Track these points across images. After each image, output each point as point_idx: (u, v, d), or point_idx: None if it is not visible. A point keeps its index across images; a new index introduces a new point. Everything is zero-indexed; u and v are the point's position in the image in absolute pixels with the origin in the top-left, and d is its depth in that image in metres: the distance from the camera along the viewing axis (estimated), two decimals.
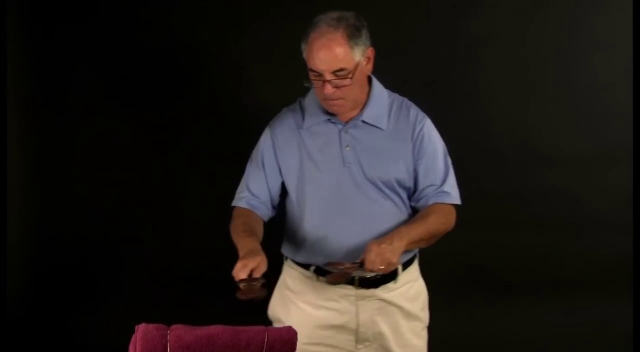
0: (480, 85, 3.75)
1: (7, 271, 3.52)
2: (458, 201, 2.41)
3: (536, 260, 3.80)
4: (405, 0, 3.71)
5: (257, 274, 2.07)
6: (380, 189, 2.33)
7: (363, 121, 2.33)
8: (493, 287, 3.78)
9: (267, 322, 2.55)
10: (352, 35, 2.19)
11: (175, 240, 3.76)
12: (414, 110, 2.40)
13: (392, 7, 3.70)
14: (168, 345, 1.88)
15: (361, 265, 2.11)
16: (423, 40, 3.72)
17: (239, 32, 3.61)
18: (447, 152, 2.44)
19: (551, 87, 3.75)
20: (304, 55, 2.23)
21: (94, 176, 3.83)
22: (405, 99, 2.44)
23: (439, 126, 3.81)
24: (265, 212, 2.42)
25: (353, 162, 2.31)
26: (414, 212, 2.41)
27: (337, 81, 2.19)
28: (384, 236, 2.17)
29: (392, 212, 2.35)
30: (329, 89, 2.20)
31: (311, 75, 2.22)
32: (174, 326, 1.93)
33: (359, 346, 2.41)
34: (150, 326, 1.92)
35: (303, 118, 2.37)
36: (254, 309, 2.39)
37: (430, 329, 2.68)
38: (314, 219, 2.36)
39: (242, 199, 2.41)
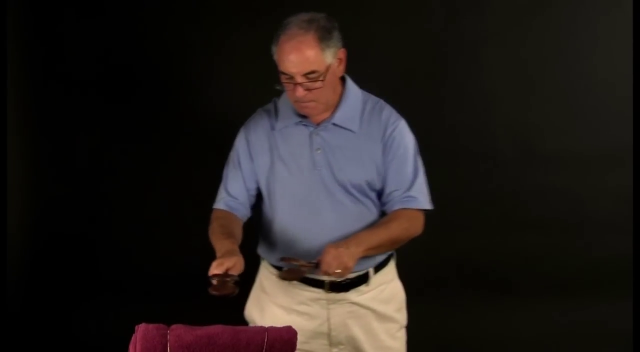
0: (480, 85, 3.76)
1: (7, 271, 3.53)
2: (426, 206, 2.36)
3: (536, 260, 3.80)
4: (406, 1, 3.71)
5: (233, 273, 2.07)
6: (351, 193, 2.31)
7: (334, 123, 2.30)
8: (493, 287, 3.78)
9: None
10: (323, 37, 2.17)
11: (175, 240, 3.76)
12: (387, 112, 2.36)
13: (393, 7, 3.70)
14: (168, 345, 1.88)
15: (317, 266, 2.09)
16: (424, 41, 3.73)
17: (227, 33, 3.61)
18: (418, 155, 2.38)
19: (551, 88, 3.75)
20: (275, 57, 2.20)
21: (93, 175, 3.84)
22: (380, 100, 2.40)
23: (440, 126, 3.85)
24: (244, 213, 2.41)
25: (323, 166, 2.29)
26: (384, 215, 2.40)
27: (309, 84, 2.17)
28: (342, 241, 2.16)
29: (363, 214, 2.33)
30: (300, 91, 2.18)
31: (282, 78, 2.20)
32: (174, 326, 1.93)
33: (334, 349, 2.40)
34: (150, 325, 1.92)
35: (276, 119, 2.35)
36: None
37: (430, 329, 2.68)
38: (285, 221, 2.35)
39: (220, 201, 2.40)
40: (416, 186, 2.34)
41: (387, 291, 2.46)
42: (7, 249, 3.53)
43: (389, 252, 2.46)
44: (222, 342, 1.89)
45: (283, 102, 2.34)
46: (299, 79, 2.17)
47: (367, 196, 2.33)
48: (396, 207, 2.31)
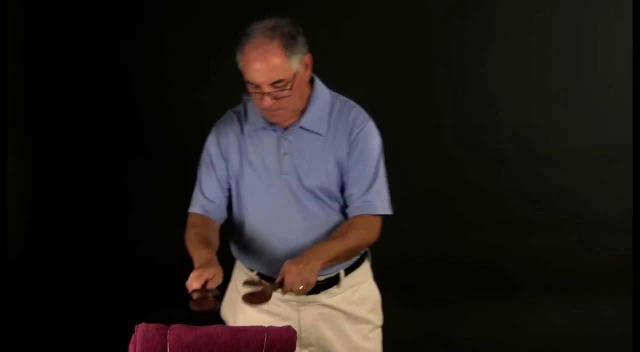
0: (481, 86, 3.77)
1: (7, 271, 3.53)
2: (383, 212, 2.31)
3: (536, 260, 3.81)
4: (407, 1, 3.71)
5: (212, 286, 2.03)
6: (319, 197, 2.29)
7: (302, 127, 2.27)
8: (493, 287, 3.78)
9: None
10: (289, 45, 2.12)
11: (175, 240, 3.75)
12: (355, 114, 2.32)
13: (394, 7, 3.70)
14: (168, 345, 1.88)
15: (281, 285, 2.06)
16: (425, 41, 3.73)
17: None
18: (382, 159, 2.33)
19: (552, 88, 3.75)
20: (240, 66, 2.16)
21: (93, 175, 3.84)
22: (349, 101, 2.35)
23: (440, 126, 3.85)
24: (220, 215, 2.38)
25: (291, 171, 2.27)
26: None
27: (277, 93, 2.14)
28: (300, 256, 2.12)
29: (332, 217, 2.31)
30: (268, 101, 2.15)
31: (249, 88, 2.17)
32: (173, 326, 1.93)
33: (304, 351, 2.39)
34: (150, 325, 1.92)
35: (245, 122, 2.32)
36: None
37: (430, 328, 2.68)
38: (253, 226, 2.34)
39: (196, 205, 2.36)
40: (374, 190, 2.29)
41: (359, 292, 2.43)
42: (7, 249, 3.54)
43: (361, 254, 2.44)
44: (222, 342, 1.89)
45: (252, 106, 2.30)
46: (266, 89, 2.12)
47: (336, 199, 2.31)
48: (354, 214, 2.28)
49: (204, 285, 2.03)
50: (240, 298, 2.40)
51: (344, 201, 2.32)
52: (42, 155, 3.84)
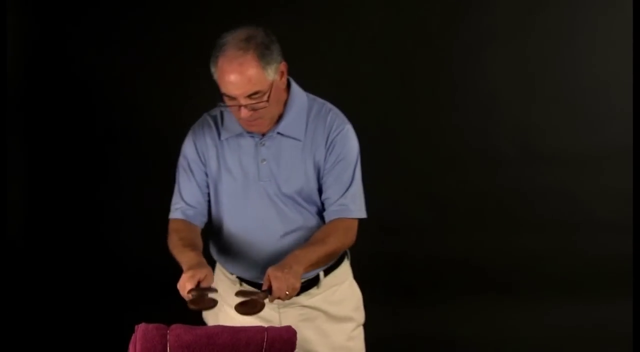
0: (481, 86, 3.76)
1: (7, 271, 3.53)
2: (359, 215, 2.30)
3: (536, 260, 3.80)
4: (407, 2, 3.71)
5: (205, 285, 2.03)
6: (297, 202, 2.29)
7: (279, 133, 2.25)
8: (493, 287, 3.78)
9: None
10: (263, 55, 2.10)
11: None
12: (332, 116, 2.30)
13: (394, 7, 3.70)
14: (168, 345, 1.88)
15: (270, 292, 2.05)
16: (425, 41, 3.73)
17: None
18: (359, 162, 2.32)
19: (552, 88, 3.75)
20: (214, 77, 2.14)
21: (92, 175, 3.84)
22: (326, 103, 2.34)
23: (440, 126, 3.85)
24: (202, 220, 2.37)
25: (269, 177, 2.26)
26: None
27: (254, 104, 2.12)
28: (282, 262, 2.10)
29: (310, 222, 2.31)
30: (245, 112, 2.12)
31: (225, 99, 2.15)
32: (173, 326, 1.93)
33: None
34: (150, 325, 1.92)
35: (222, 127, 2.31)
36: None
37: (430, 328, 2.68)
38: (231, 231, 2.33)
39: (177, 210, 2.34)
40: (350, 194, 2.28)
41: (339, 292, 2.42)
42: (6, 249, 3.54)
43: (339, 254, 2.44)
44: (222, 341, 1.89)
45: (228, 111, 2.27)
46: (243, 101, 2.11)
47: (314, 202, 2.31)
48: (331, 217, 2.28)
49: (197, 284, 2.03)
50: (221, 300, 2.41)
51: (321, 204, 2.32)
52: (42, 155, 3.84)
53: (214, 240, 2.41)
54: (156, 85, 3.71)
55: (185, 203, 2.33)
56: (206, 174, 2.33)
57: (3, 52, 3.48)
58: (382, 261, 3.82)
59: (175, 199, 2.36)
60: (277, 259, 2.16)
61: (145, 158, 3.77)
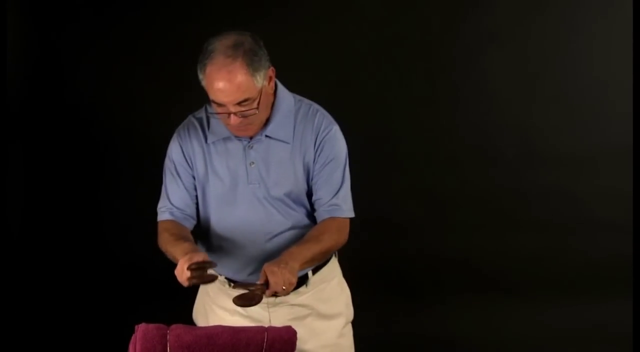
0: (481, 86, 3.77)
1: (7, 271, 3.53)
2: (349, 215, 2.31)
3: (536, 260, 3.81)
4: (407, 2, 3.72)
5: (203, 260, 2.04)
6: (287, 204, 2.28)
7: (267, 136, 2.24)
8: (492, 287, 3.78)
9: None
10: (252, 62, 2.07)
11: None
12: (320, 117, 2.28)
13: (394, 7, 3.70)
14: (168, 345, 1.88)
15: (267, 286, 2.05)
16: (424, 42, 3.73)
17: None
18: (347, 162, 2.32)
19: (552, 88, 3.75)
20: (202, 84, 2.12)
21: (93, 176, 3.84)
22: (313, 104, 2.31)
23: (440, 126, 3.85)
24: (191, 222, 2.35)
25: (257, 180, 2.25)
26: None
27: (243, 111, 2.10)
28: (278, 259, 2.10)
29: (299, 224, 2.31)
30: (235, 119, 2.11)
31: (214, 106, 2.13)
32: (173, 326, 1.93)
33: None
34: (150, 325, 1.92)
35: (208, 130, 2.28)
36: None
37: (430, 328, 2.68)
38: (219, 234, 2.32)
39: (165, 212, 2.32)
40: (341, 194, 2.29)
41: (327, 289, 2.41)
42: (6, 249, 3.54)
43: None
44: (222, 342, 1.89)
45: (216, 117, 2.25)
46: (232, 109, 2.09)
47: (303, 204, 2.31)
48: (325, 217, 2.28)
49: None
50: (210, 301, 2.41)
51: (311, 206, 2.32)
52: (42, 156, 3.84)
53: (202, 242, 2.39)
54: (156, 86, 3.71)
55: (173, 206, 2.31)
56: (193, 177, 2.31)
57: (3, 53, 3.48)
58: (381, 260, 3.82)
59: (163, 202, 2.34)
60: (266, 261, 2.16)
61: (145, 158, 3.77)
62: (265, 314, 2.34)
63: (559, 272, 3.79)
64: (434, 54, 3.74)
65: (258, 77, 2.09)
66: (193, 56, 2.13)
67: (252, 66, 2.08)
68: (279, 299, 2.30)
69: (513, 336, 3.68)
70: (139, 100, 3.76)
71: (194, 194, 2.32)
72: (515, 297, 3.78)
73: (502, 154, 3.79)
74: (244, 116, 2.12)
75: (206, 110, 2.29)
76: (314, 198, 2.30)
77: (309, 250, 2.18)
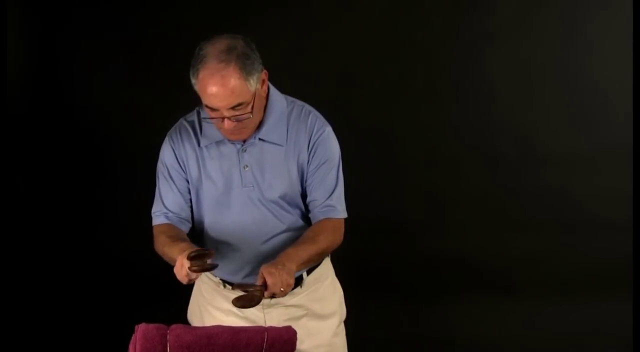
0: (481, 86, 3.77)
1: (7, 271, 3.53)
2: (344, 215, 2.31)
3: (535, 260, 3.81)
4: (407, 2, 3.72)
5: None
6: (281, 207, 2.28)
7: (260, 139, 2.23)
8: (492, 287, 3.78)
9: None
10: (245, 66, 2.06)
11: None
12: (313, 119, 2.28)
13: (394, 7, 3.70)
14: (168, 345, 1.88)
15: (265, 288, 2.05)
16: (424, 41, 3.73)
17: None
18: (340, 163, 2.32)
19: (552, 88, 3.75)
20: (195, 88, 2.11)
21: (93, 176, 3.84)
22: (306, 105, 2.31)
23: (440, 127, 3.85)
24: (187, 225, 2.35)
25: (251, 183, 2.24)
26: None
27: (237, 115, 2.10)
28: (274, 261, 2.09)
29: (293, 226, 2.31)
30: (229, 124, 2.10)
31: (208, 111, 2.12)
32: (173, 326, 1.93)
33: None
34: (150, 325, 1.92)
35: (200, 134, 2.28)
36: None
37: (430, 328, 2.68)
38: (213, 237, 2.32)
39: (160, 216, 2.31)
40: (335, 195, 2.29)
41: (321, 289, 2.42)
42: (7, 249, 3.54)
43: None
44: (222, 342, 1.89)
45: (210, 122, 2.24)
46: (226, 113, 2.08)
47: (297, 206, 2.31)
48: (320, 218, 2.28)
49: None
50: (205, 301, 2.41)
51: (306, 207, 2.32)
52: (42, 156, 3.84)
53: (197, 244, 2.39)
54: (156, 87, 3.71)
55: (168, 210, 2.31)
56: (187, 180, 2.31)
57: (3, 53, 3.48)
58: (381, 260, 3.82)
59: (158, 206, 2.33)
60: (260, 263, 2.16)
61: (145, 159, 3.77)
62: (261, 315, 2.35)
63: (559, 272, 3.80)
64: (433, 54, 3.74)
65: (251, 81, 2.09)
66: (191, 57, 2.13)
67: (245, 70, 2.07)
68: (273, 300, 2.30)
69: (512, 335, 3.68)
70: (138, 100, 3.76)
71: (189, 197, 2.32)
72: (514, 297, 3.79)
73: (502, 154, 3.79)
74: (238, 120, 2.11)
75: (198, 114, 2.28)
76: (308, 199, 2.30)
77: (305, 251, 2.18)
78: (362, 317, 2.58)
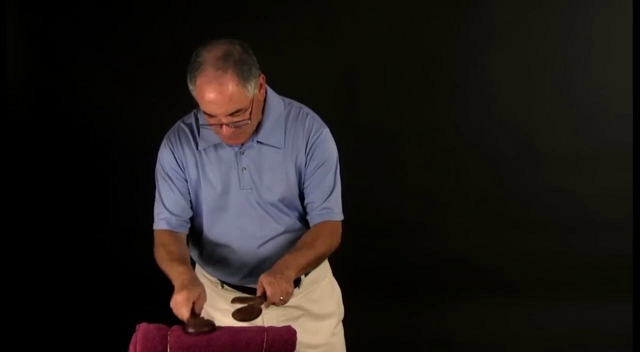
0: (481, 86, 3.77)
1: (8, 271, 3.53)
2: (340, 218, 2.31)
3: (536, 260, 3.81)
4: (407, 2, 3.72)
5: (198, 309, 2.01)
6: (280, 209, 2.28)
7: (259, 141, 2.23)
8: (493, 287, 3.78)
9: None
10: (242, 72, 2.05)
11: None
12: (310, 121, 2.27)
13: (394, 7, 3.70)
14: (168, 345, 1.88)
15: (265, 298, 2.04)
16: (424, 42, 3.73)
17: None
18: (338, 165, 2.31)
19: (551, 88, 3.76)
20: (193, 94, 2.10)
21: (94, 176, 3.84)
22: (303, 107, 2.31)
23: (439, 126, 3.85)
24: (187, 226, 2.34)
25: (250, 186, 2.24)
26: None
27: (236, 121, 2.09)
28: (273, 269, 2.08)
29: (292, 228, 2.31)
30: (227, 130, 2.10)
31: (206, 117, 2.12)
32: (174, 327, 1.93)
33: None
34: (151, 325, 1.92)
35: (198, 136, 2.27)
36: None
37: (430, 328, 2.68)
38: (211, 239, 2.32)
39: (161, 221, 2.30)
40: (333, 197, 2.28)
41: (318, 290, 2.42)
42: (7, 248, 3.54)
43: None
44: (222, 342, 1.89)
45: (203, 118, 2.22)
46: (225, 119, 2.08)
47: (296, 208, 2.31)
48: (317, 220, 2.28)
49: (192, 309, 2.00)
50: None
51: (304, 209, 2.32)
52: (42, 156, 3.84)
53: (194, 245, 2.39)
54: (156, 88, 3.71)
55: (169, 212, 2.30)
56: (186, 181, 2.31)
57: (3, 55, 3.48)
58: (380, 260, 3.82)
59: (159, 208, 2.32)
60: (258, 265, 2.17)
61: (145, 159, 3.77)
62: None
63: (559, 272, 3.80)
64: (433, 54, 3.74)
65: (249, 87, 2.08)
66: (190, 59, 2.12)
67: (243, 76, 2.06)
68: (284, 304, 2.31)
69: (512, 335, 3.68)
70: (139, 101, 3.76)
71: (189, 198, 2.31)
72: (515, 297, 3.79)
73: (502, 154, 3.79)
74: (237, 126, 2.10)
75: (196, 117, 2.28)
76: (306, 201, 2.30)
77: (304, 257, 2.17)
78: (361, 317, 2.59)
